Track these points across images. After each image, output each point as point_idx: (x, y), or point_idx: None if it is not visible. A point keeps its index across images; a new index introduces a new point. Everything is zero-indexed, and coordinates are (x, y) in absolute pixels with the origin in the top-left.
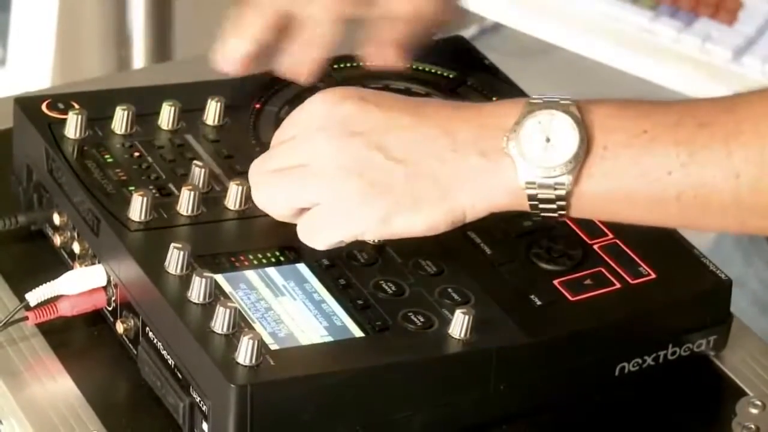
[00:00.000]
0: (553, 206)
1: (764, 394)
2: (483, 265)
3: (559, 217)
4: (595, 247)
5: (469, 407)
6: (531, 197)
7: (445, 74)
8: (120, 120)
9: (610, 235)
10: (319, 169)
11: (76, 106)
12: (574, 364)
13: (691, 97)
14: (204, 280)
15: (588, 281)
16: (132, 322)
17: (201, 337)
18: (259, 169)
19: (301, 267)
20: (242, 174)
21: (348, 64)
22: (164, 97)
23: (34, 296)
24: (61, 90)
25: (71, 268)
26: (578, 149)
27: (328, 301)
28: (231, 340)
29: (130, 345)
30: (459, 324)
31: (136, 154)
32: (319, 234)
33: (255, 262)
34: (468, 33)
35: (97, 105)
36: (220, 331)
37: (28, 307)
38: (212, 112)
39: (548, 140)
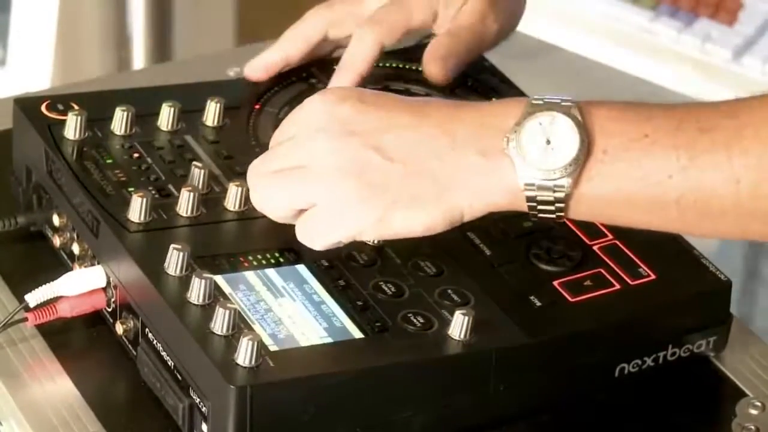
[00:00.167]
0: (552, 208)
1: (764, 395)
2: (482, 266)
3: (557, 219)
4: (595, 248)
5: (468, 408)
6: (529, 198)
7: None
8: (119, 121)
9: (610, 236)
10: (317, 169)
11: (76, 107)
12: (574, 365)
13: (692, 99)
14: (203, 281)
15: (588, 282)
16: (131, 323)
17: (201, 338)
18: (257, 170)
19: (301, 268)
20: (242, 175)
21: None
22: (164, 97)
23: (33, 297)
24: (61, 90)
25: (71, 269)
26: (578, 152)
27: (327, 303)
28: (230, 341)
29: (129, 346)
30: (458, 325)
31: (136, 155)
32: (317, 235)
33: (255, 263)
34: None
35: (96, 106)
36: (219, 333)
37: (27, 309)
38: (212, 113)
39: (548, 142)
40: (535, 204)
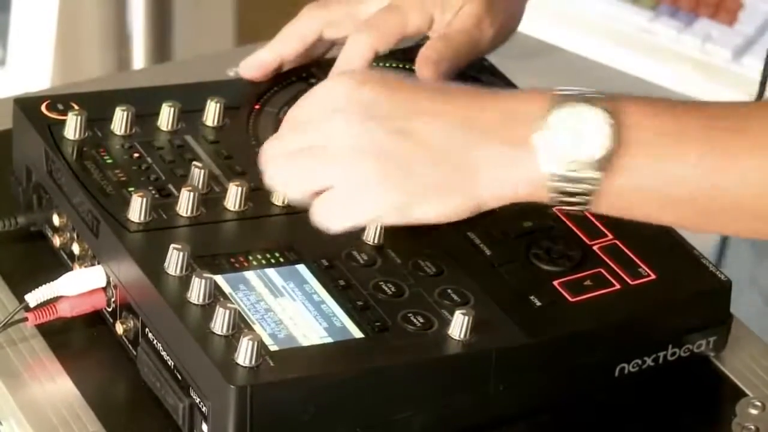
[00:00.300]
0: (576, 200)
1: (764, 394)
2: (482, 266)
3: (578, 212)
4: (595, 247)
5: (468, 408)
6: (554, 189)
7: None
8: (119, 121)
9: (610, 236)
10: (335, 150)
11: (76, 107)
12: (574, 365)
13: (692, 99)
14: (203, 281)
15: (588, 282)
16: (131, 323)
17: (201, 338)
18: (273, 150)
19: (301, 268)
20: (242, 175)
21: None
22: (164, 97)
23: (33, 297)
24: (61, 90)
25: (71, 269)
26: (609, 146)
27: (327, 302)
28: (231, 341)
29: (129, 346)
30: (459, 325)
31: (136, 155)
32: (334, 217)
33: (254, 263)
34: None
35: (96, 106)
36: (219, 332)
37: (27, 308)
38: (212, 112)
39: (577, 134)
40: (559, 195)
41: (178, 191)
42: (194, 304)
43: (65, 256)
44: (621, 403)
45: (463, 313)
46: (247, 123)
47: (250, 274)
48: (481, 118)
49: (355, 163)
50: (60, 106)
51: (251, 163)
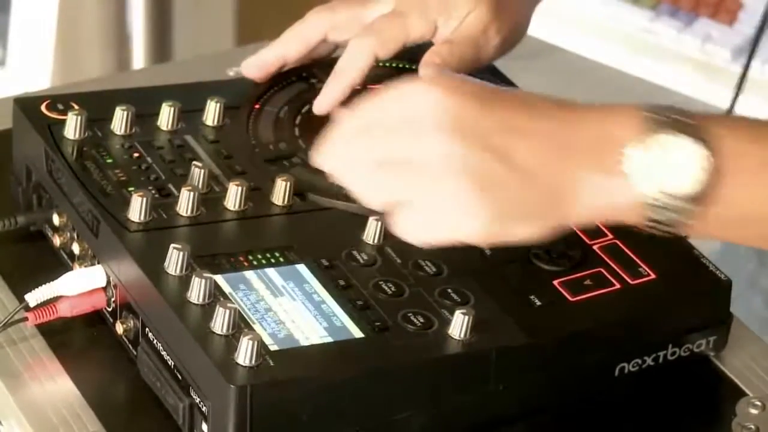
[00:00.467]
0: (670, 228)
1: (764, 394)
2: (483, 266)
3: (670, 235)
4: (595, 247)
5: (469, 408)
6: (646, 218)
7: None
8: (119, 121)
9: (610, 236)
10: (426, 167)
11: (76, 106)
12: (574, 365)
13: (692, 99)
14: (203, 280)
15: (588, 282)
16: (131, 322)
17: (201, 337)
18: (359, 156)
19: (301, 268)
20: (242, 174)
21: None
22: (164, 97)
23: (33, 297)
24: (61, 90)
25: (71, 268)
26: (705, 180)
27: (327, 302)
28: (231, 340)
29: (129, 346)
30: (459, 324)
31: (136, 154)
32: (417, 231)
33: (254, 262)
34: None
35: (96, 106)
36: (219, 332)
37: (27, 308)
38: (212, 112)
39: (673, 165)
40: (653, 223)
41: (178, 191)
42: (194, 304)
43: (65, 256)
44: (621, 402)
45: (463, 313)
46: (247, 123)
47: (250, 274)
48: (575, 141)
49: (446, 180)
50: (60, 106)
51: (251, 163)
